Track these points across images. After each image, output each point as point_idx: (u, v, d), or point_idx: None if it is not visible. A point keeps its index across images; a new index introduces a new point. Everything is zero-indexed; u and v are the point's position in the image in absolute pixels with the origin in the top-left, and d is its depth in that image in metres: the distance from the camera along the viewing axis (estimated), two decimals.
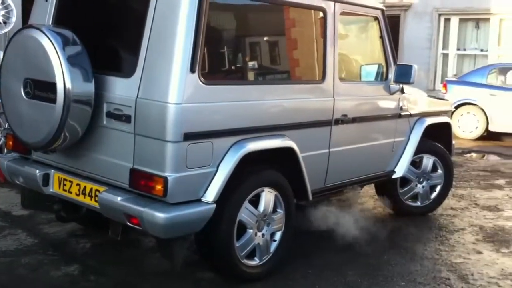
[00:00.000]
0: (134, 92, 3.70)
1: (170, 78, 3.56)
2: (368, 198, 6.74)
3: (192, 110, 3.63)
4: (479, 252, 5.21)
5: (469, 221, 6.13)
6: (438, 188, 6.20)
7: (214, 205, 3.80)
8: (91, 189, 4.00)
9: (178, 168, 3.60)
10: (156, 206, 3.61)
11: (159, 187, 3.59)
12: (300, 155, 4.38)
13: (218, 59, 4.09)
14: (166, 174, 3.59)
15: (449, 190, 6.38)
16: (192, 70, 3.60)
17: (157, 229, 3.61)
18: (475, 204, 6.84)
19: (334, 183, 4.98)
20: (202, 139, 3.71)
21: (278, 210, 4.38)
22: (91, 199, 4.00)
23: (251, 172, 4.11)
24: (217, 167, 3.83)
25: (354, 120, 4.94)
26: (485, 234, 5.72)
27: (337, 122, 4.77)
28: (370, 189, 6.60)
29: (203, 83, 3.69)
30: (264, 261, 4.32)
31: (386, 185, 5.89)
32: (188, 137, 3.60)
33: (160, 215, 3.55)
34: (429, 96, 6.43)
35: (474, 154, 10.36)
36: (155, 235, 3.71)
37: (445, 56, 15.83)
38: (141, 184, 3.70)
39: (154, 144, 3.63)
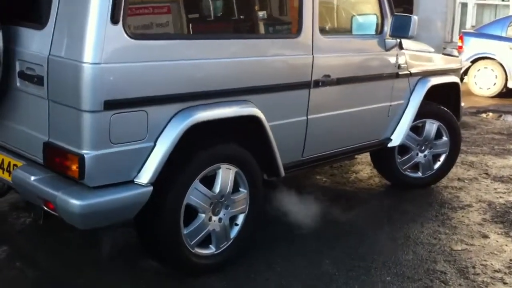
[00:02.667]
0: (47, 48, 2.97)
1: (84, 31, 2.81)
2: (365, 166, 5.99)
3: (115, 71, 2.88)
4: (485, 236, 4.46)
5: (476, 195, 5.36)
6: (442, 158, 5.42)
7: (150, 188, 3.09)
8: (9, 163, 3.34)
9: (99, 144, 2.89)
10: (72, 190, 2.92)
11: (74, 167, 2.89)
12: (267, 125, 3.63)
13: (151, 6, 3.30)
14: (82, 151, 2.88)
15: (455, 160, 5.59)
16: (113, 20, 2.83)
17: (73, 218, 2.92)
18: (486, 174, 6.04)
19: (314, 155, 4.23)
20: (132, 108, 2.97)
21: (240, 189, 3.67)
22: (9, 175, 3.32)
23: (202, 147, 3.38)
24: (155, 141, 3.11)
25: (339, 81, 4.16)
26: (494, 212, 4.95)
27: (317, 84, 3.99)
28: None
29: (131, 37, 2.93)
30: (222, 249, 3.63)
31: (382, 154, 5.12)
32: (111, 105, 2.87)
33: (75, 202, 2.86)
34: (435, 52, 5.57)
35: (490, 114, 9.47)
36: (72, 224, 3.01)
37: (464, 5, 14.70)
38: (56, 162, 3.00)
39: (69, 114, 2.91)
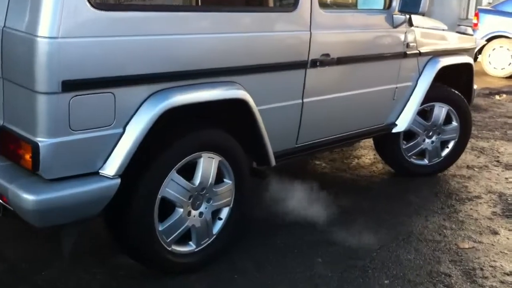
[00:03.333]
0: (1, 19, 2.58)
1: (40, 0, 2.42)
2: (368, 150, 5.60)
3: (76, 47, 2.50)
4: (495, 233, 4.09)
5: (486, 185, 4.98)
6: (451, 144, 5.03)
7: (118, 180, 2.73)
8: None
9: (56, 130, 2.52)
10: (26, 183, 2.56)
11: (27, 156, 2.53)
12: (255, 109, 3.25)
13: None
14: (36, 139, 2.51)
15: (465, 147, 5.20)
16: None
17: (27, 215, 2.57)
18: (497, 161, 5.65)
19: (310, 142, 3.85)
20: (96, 90, 2.59)
21: (225, 180, 3.30)
22: None
23: (180, 134, 3.01)
24: (124, 128, 2.73)
25: (340, 61, 3.76)
26: (504, 205, 4.57)
27: (314, 64, 3.59)
28: None
29: (95, 7, 2.54)
30: (203, 246, 3.28)
31: (386, 139, 4.73)
32: (70, 86, 2.49)
33: (28, 197, 2.50)
34: (448, 30, 5.14)
35: (503, 96, 9.01)
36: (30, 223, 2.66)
37: None
38: (10, 149, 2.65)
39: (23, 95, 2.54)
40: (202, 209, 3.21)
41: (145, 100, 2.76)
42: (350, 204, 4.32)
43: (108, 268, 3.27)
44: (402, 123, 4.50)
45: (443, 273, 3.50)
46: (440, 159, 5.02)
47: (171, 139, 2.97)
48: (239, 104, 3.19)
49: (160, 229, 3.04)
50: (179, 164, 3.01)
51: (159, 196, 2.97)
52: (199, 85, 2.98)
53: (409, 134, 4.79)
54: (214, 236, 3.34)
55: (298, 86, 3.58)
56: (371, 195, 4.58)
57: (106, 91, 2.62)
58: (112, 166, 2.70)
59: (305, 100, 3.64)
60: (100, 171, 2.71)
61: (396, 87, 4.35)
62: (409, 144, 4.83)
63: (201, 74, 2.98)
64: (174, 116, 2.90)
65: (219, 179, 3.29)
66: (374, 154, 5.40)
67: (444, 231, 4.06)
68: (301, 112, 3.66)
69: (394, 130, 4.51)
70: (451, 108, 4.88)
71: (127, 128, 2.73)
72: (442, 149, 5.01)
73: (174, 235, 3.12)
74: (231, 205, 3.37)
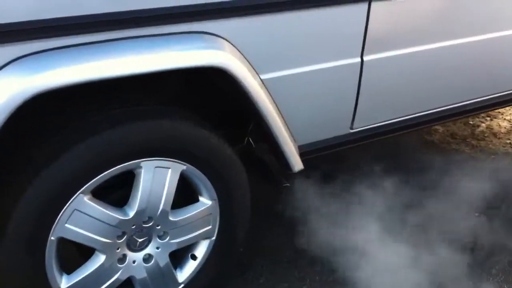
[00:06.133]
0: None
1: None
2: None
3: None
4: None
5: None
6: None
7: None
8: None
9: None
10: None
11: None
12: (249, 82, 1.79)
13: None
14: None
15: None
16: None
17: None
18: None
19: (380, 122, 2.32)
20: None
21: (201, 199, 1.91)
22: None
23: (84, 129, 1.64)
24: None
25: None
26: None
27: None
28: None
29: None
30: None
31: None
32: None
33: None
34: None
35: None
36: None
37: None
38: None
39: None
40: (149, 249, 1.87)
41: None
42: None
43: None
44: None
45: None
46: None
47: (65, 139, 1.62)
48: (220, 75, 1.74)
49: (63, 286, 1.76)
50: (90, 183, 1.66)
51: (51, 238, 1.67)
52: (112, 42, 1.56)
53: None
54: (182, 285, 2.01)
55: (354, 35, 2.02)
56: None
57: None
58: None
59: (366, 58, 2.08)
60: None
61: None
62: None
63: (126, 21, 1.55)
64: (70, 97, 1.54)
65: (190, 198, 1.92)
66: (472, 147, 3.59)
67: None
68: (359, 78, 2.12)
69: None
70: None
71: None
72: None
73: None
74: (214, 237, 2.00)
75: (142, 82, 1.65)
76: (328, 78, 2.06)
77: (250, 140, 2.21)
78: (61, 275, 1.77)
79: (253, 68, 1.81)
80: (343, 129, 2.24)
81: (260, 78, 1.85)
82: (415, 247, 2.41)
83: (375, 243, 2.37)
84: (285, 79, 1.93)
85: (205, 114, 1.94)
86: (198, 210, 1.92)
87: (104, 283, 1.82)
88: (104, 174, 1.67)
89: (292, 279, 2.30)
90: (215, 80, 1.84)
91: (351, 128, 2.25)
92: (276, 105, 1.93)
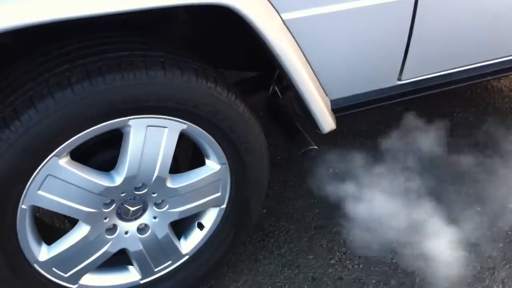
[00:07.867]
0: None
1: None
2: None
3: None
4: None
5: None
6: None
7: None
8: None
9: None
10: None
11: None
12: (272, 23, 1.45)
13: None
14: None
15: None
16: None
17: None
18: None
19: (432, 73, 1.93)
20: None
21: (209, 162, 1.61)
22: None
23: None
24: None
25: None
26: None
27: None
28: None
29: None
30: (161, 274, 1.72)
31: None
32: None
33: None
34: None
35: None
36: None
37: None
38: None
39: None
40: (145, 219, 1.60)
41: None
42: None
43: None
44: None
45: None
46: None
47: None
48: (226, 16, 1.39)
49: (42, 259, 1.52)
50: (65, 145, 1.37)
51: (23, 206, 1.41)
52: None
53: None
54: (187, 257, 1.75)
55: None
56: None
57: None
58: None
59: None
60: None
61: None
62: None
63: None
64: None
65: (195, 161, 1.63)
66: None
67: None
68: (412, 18, 1.72)
69: None
70: None
71: None
72: None
73: (82, 266, 1.58)
74: (224, 205, 1.71)
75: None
76: (373, 18, 1.67)
77: (277, 89, 1.87)
78: (40, 246, 1.52)
79: (272, 5, 1.45)
80: (390, 81, 1.86)
81: (281, 18, 1.49)
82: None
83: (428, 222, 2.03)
84: (315, 19, 1.56)
85: (221, 57, 1.62)
86: (204, 176, 1.61)
87: (91, 255, 1.57)
88: (83, 134, 1.37)
89: (319, 251, 1.99)
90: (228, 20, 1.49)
91: (399, 80, 1.87)
92: (303, 52, 1.57)
